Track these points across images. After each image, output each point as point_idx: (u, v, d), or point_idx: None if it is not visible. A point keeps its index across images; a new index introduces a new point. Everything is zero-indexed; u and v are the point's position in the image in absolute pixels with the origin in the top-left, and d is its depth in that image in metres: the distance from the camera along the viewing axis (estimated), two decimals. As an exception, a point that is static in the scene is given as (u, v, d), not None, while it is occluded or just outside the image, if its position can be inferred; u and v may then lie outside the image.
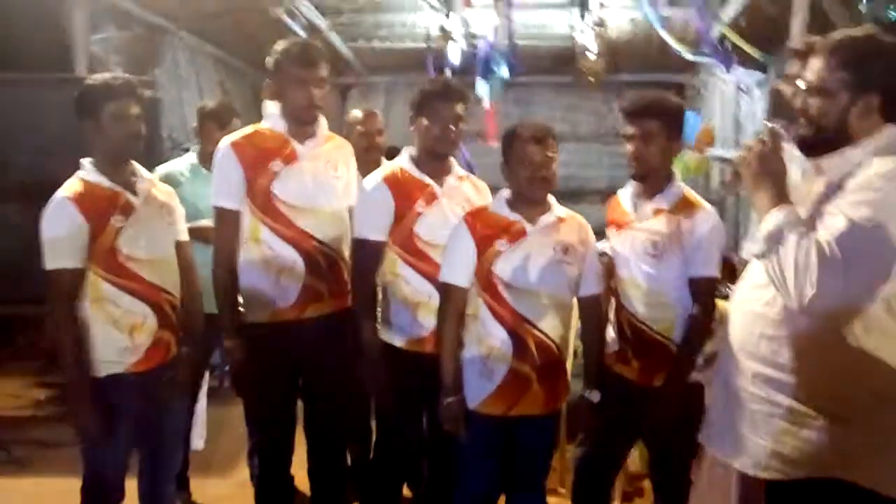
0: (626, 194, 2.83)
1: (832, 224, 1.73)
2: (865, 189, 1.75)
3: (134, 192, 2.64)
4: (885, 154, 1.80)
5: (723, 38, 5.52)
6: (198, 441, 3.91)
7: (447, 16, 5.31)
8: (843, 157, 1.87)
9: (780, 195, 1.86)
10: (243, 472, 3.78)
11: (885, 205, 1.71)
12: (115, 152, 2.62)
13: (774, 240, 1.78)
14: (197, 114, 3.73)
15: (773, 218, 1.81)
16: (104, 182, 2.60)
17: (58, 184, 2.60)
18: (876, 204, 1.71)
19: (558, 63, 7.50)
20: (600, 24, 5.67)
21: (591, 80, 6.10)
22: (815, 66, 1.91)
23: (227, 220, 2.77)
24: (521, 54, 6.07)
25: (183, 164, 3.64)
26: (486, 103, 6.21)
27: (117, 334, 2.59)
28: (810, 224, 1.78)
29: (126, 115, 2.58)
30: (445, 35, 5.68)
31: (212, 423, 4.11)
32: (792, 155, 1.97)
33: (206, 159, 3.41)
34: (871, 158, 1.80)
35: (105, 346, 2.59)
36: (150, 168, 3.00)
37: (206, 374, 3.83)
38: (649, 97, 2.73)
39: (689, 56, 5.83)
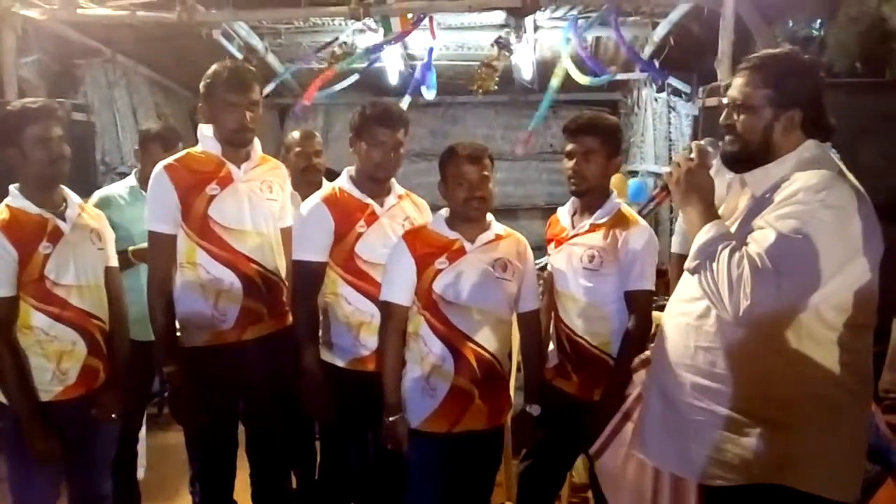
0: (564, 211, 2.90)
1: (762, 237, 1.78)
2: (791, 202, 1.80)
3: (63, 218, 2.60)
4: (807, 168, 1.86)
5: (652, 57, 5.69)
6: (138, 469, 3.82)
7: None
8: (767, 172, 1.94)
9: (709, 210, 1.93)
10: (185, 499, 3.70)
11: (811, 216, 1.77)
12: (41, 177, 2.57)
13: (706, 254, 1.83)
14: (140, 136, 3.65)
15: (704, 233, 1.87)
16: (31, 208, 2.55)
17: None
18: (802, 216, 1.77)
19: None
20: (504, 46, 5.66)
21: (478, 89, 6.04)
22: (739, 84, 1.98)
23: (162, 244, 2.72)
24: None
25: (122, 187, 3.57)
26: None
27: (45, 362, 2.55)
28: (740, 238, 1.84)
29: (47, 139, 2.53)
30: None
31: (152, 450, 4.02)
32: (719, 170, 2.03)
33: (146, 182, 3.36)
34: (794, 172, 1.87)
35: (33, 373, 2.53)
36: (84, 192, 2.94)
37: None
38: (589, 115, 2.83)
39: (584, 82, 5.86)
